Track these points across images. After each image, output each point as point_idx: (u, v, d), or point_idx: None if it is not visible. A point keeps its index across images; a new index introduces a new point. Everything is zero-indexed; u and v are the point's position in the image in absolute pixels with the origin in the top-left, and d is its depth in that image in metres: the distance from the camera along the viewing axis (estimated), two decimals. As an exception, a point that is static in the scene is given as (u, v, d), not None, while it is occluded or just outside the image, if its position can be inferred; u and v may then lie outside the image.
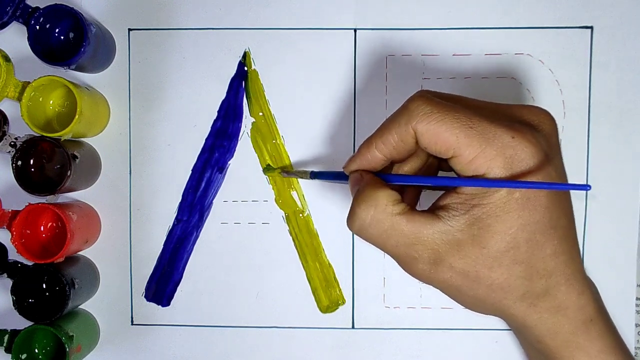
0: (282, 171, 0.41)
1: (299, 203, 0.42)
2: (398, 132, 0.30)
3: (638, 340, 0.41)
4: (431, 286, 0.32)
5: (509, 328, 0.40)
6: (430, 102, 0.29)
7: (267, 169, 0.42)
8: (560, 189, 0.27)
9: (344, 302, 0.42)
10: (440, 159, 0.33)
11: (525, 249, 0.29)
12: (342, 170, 0.34)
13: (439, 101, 0.30)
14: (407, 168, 0.33)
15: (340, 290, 0.42)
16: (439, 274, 0.30)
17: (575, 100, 0.41)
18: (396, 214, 0.30)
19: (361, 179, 0.32)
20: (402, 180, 0.32)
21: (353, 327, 0.42)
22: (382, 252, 0.31)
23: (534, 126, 0.30)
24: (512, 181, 0.28)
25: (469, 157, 0.28)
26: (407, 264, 0.31)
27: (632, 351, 0.40)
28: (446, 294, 0.32)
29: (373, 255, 0.42)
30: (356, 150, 0.33)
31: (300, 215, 0.42)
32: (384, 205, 0.30)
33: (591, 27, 0.41)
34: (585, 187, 0.25)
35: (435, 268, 0.30)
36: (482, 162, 0.28)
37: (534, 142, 0.29)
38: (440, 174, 0.35)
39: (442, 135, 0.29)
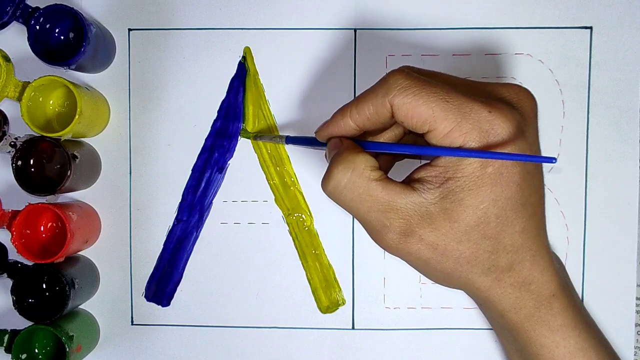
0: (256, 136, 0.41)
1: (299, 203, 0.42)
2: (374, 103, 0.30)
3: (638, 340, 0.41)
4: (398, 257, 0.32)
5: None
6: (408, 77, 0.30)
7: (243, 132, 0.41)
8: (527, 160, 0.28)
9: (344, 303, 0.42)
10: (415, 136, 0.34)
11: (495, 224, 0.29)
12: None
13: (417, 76, 0.30)
14: (381, 141, 0.34)
15: (340, 290, 0.42)
16: (408, 245, 0.30)
17: (575, 100, 0.41)
18: (373, 179, 0.30)
19: (341, 143, 0.32)
20: (380, 148, 0.32)
21: (353, 328, 0.42)
22: (361, 226, 0.31)
23: (513, 104, 0.30)
24: (483, 152, 0.28)
25: (445, 130, 0.29)
26: (377, 232, 0.31)
27: (632, 351, 0.41)
28: (414, 267, 0.32)
29: (373, 256, 0.42)
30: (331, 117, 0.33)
31: (301, 215, 0.42)
32: (361, 169, 0.30)
33: (591, 27, 0.41)
34: (551, 160, 0.26)
35: (405, 239, 0.30)
36: (458, 135, 0.28)
37: (510, 118, 0.29)
38: None
39: (419, 109, 0.29)
